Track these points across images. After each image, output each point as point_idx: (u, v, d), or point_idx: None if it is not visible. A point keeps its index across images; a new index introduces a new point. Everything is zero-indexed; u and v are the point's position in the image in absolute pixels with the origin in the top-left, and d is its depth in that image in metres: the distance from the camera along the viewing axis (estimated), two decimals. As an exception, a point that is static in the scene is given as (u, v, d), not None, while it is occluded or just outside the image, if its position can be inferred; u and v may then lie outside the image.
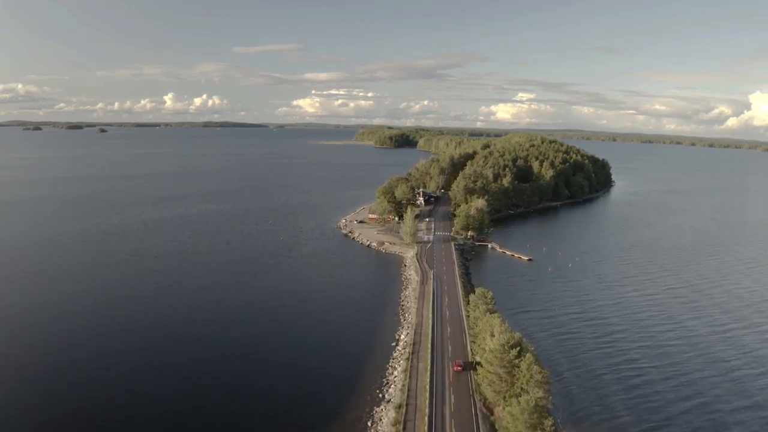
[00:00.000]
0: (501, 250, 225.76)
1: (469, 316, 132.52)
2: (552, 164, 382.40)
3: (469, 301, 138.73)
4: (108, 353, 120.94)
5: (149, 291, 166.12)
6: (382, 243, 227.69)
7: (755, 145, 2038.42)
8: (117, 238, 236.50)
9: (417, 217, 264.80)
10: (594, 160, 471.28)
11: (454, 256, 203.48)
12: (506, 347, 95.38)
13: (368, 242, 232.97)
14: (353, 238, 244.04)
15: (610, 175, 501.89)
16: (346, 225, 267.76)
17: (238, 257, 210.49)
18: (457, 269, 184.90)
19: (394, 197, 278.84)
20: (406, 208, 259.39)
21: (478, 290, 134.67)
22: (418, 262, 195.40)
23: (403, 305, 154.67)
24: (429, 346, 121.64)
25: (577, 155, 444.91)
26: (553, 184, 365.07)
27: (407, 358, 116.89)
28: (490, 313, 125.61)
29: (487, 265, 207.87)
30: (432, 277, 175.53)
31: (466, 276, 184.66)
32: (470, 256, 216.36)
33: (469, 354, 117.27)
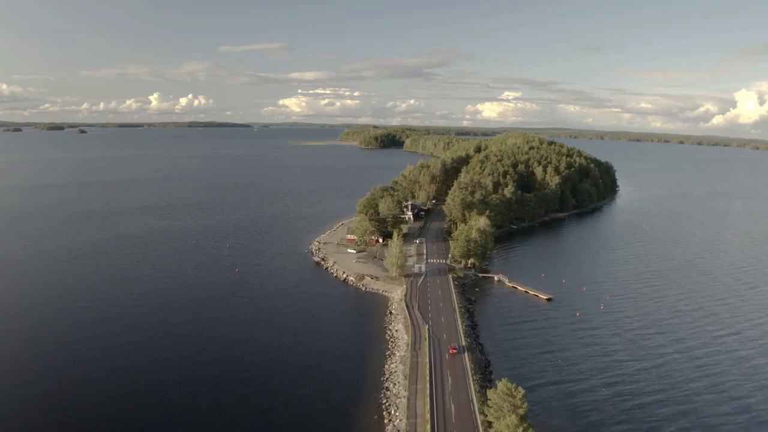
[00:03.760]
0: (511, 285, 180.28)
1: (490, 425, 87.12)
2: (557, 170, 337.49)
3: (486, 395, 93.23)
4: None
5: (47, 355, 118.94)
6: (362, 277, 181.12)
7: (743, 143, 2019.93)
8: (36, 271, 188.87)
9: (405, 236, 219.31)
10: (598, 163, 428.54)
11: (454, 298, 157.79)
12: None
13: (345, 275, 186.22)
14: (326, 268, 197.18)
15: (615, 179, 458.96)
16: (319, 249, 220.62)
17: (178, 301, 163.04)
18: (459, 321, 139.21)
19: (377, 214, 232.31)
20: (392, 228, 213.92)
21: (501, 384, 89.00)
22: (408, 308, 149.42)
23: (387, 390, 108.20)
24: (429, 488, 76.23)
25: (581, 158, 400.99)
26: (559, 193, 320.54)
27: None
28: (524, 426, 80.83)
29: (498, 311, 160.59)
30: (427, 335, 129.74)
31: (472, 330, 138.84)
32: (474, 295, 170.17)
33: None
